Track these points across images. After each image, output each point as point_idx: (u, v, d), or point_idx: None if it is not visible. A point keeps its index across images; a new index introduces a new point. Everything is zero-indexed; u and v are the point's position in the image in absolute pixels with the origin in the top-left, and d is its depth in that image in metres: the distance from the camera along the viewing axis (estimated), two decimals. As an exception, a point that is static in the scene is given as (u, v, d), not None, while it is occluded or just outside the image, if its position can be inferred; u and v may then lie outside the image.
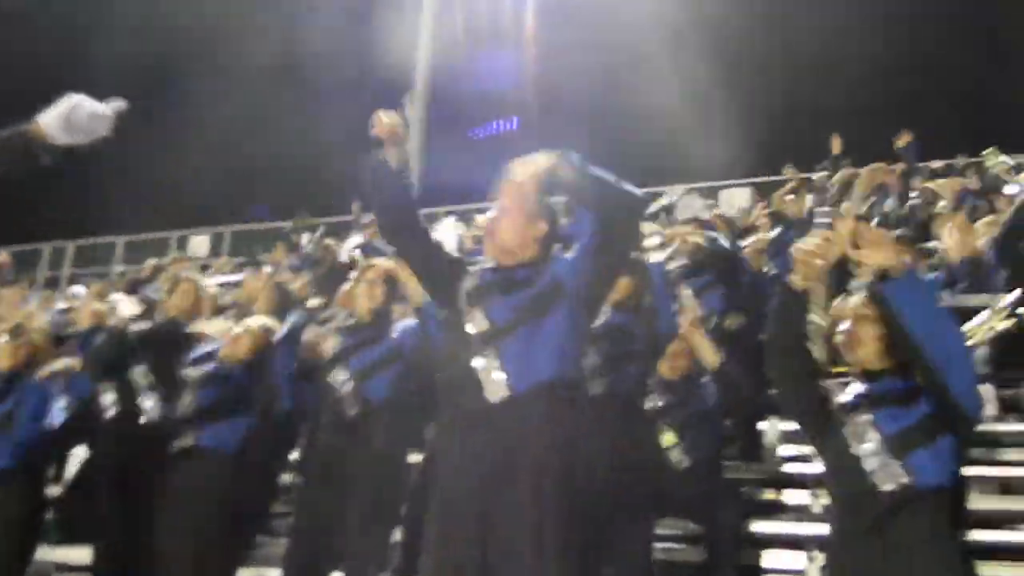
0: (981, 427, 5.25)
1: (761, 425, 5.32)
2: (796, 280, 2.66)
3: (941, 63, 17.85)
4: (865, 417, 2.60)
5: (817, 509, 4.56)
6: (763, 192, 14.13)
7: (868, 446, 2.55)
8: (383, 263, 4.45)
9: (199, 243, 18.57)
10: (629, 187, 2.64)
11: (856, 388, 2.74)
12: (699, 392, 4.50)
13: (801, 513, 4.70)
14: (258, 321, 4.47)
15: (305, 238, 11.85)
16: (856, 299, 2.83)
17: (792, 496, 4.88)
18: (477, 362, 2.53)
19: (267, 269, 7.83)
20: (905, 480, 2.47)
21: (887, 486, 2.49)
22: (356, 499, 3.93)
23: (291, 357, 4.45)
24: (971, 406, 2.52)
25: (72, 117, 2.17)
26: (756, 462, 5.19)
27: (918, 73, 17.94)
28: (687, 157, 17.04)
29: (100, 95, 2.29)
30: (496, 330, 2.57)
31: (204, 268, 14.67)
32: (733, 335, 5.47)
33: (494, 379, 2.50)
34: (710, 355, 4.21)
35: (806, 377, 2.76)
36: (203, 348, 4.41)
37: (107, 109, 2.28)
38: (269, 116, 20.93)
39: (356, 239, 12.36)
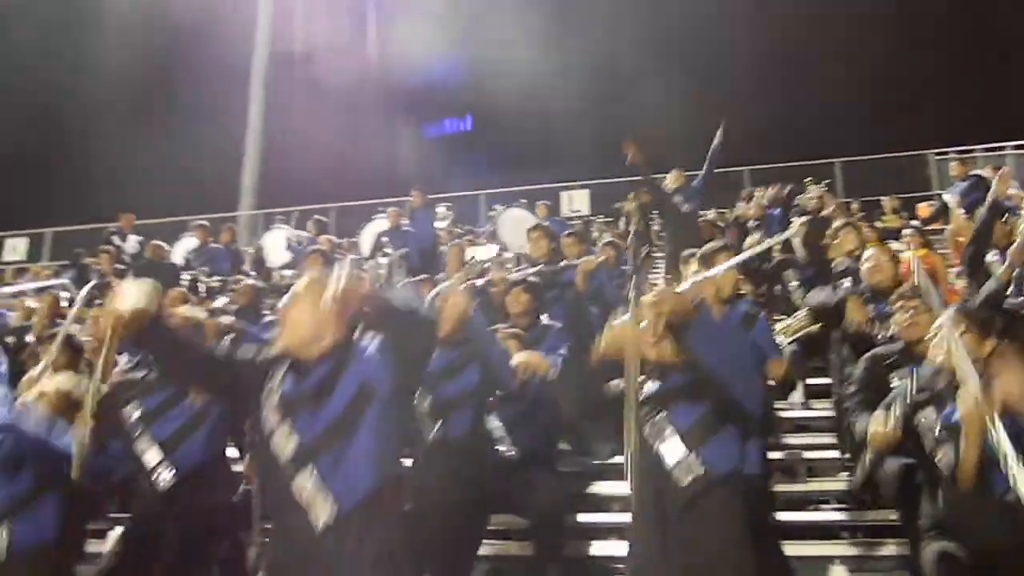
0: (791, 414, 5.64)
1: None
2: None
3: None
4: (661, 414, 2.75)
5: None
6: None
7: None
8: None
9: (15, 246, 17.32)
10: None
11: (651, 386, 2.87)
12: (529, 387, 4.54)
13: (629, 503, 4.82)
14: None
15: (131, 240, 11.27)
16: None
17: (621, 487, 5.00)
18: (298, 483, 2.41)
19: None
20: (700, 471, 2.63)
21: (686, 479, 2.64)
22: None
23: None
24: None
25: None
26: (585, 455, 5.29)
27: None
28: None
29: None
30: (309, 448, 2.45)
31: (21, 272, 13.65)
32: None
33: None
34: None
35: None
36: None
37: None
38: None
39: (192, 241, 11.86)
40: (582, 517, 4.58)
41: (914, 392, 3.17)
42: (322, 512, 2.34)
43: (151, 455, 3.61)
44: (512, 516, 4.47)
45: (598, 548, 4.45)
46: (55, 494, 3.49)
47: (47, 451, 3.49)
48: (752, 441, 2.91)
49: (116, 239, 11.22)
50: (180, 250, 11.32)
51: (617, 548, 4.44)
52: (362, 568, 2.34)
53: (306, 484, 2.37)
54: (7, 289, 11.80)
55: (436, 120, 26.55)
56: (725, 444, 2.70)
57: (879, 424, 3.16)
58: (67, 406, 3.67)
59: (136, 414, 3.70)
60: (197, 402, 3.68)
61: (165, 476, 3.57)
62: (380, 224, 11.76)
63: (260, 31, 19.07)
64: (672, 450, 2.70)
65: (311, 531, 2.34)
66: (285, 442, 2.43)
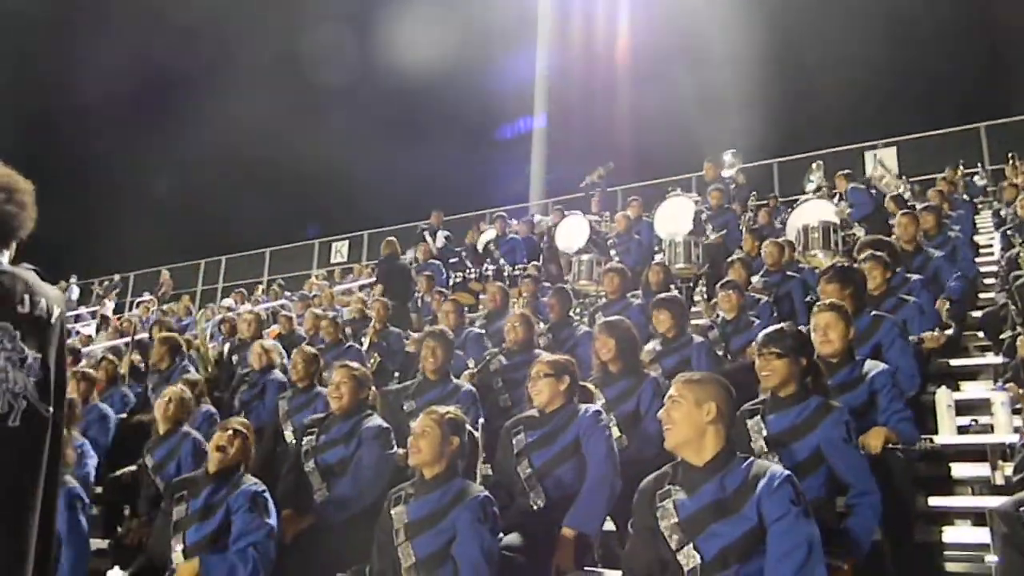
0: None
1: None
2: None
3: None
4: None
5: (998, 480, 4.22)
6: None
7: None
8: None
9: (339, 249, 19.35)
10: None
11: None
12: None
13: (981, 485, 4.38)
14: None
15: (440, 236, 12.09)
16: None
17: (970, 469, 4.54)
18: None
19: None
20: None
21: None
22: None
23: None
24: None
25: None
26: (928, 433, 4.84)
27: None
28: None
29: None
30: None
31: (346, 273, 15.27)
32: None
33: None
34: None
35: None
36: None
37: None
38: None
39: (491, 233, 12.51)
40: (933, 500, 4.21)
41: None
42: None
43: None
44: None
45: (951, 534, 4.06)
46: None
47: None
48: None
49: (427, 235, 12.10)
50: (484, 239, 12.00)
51: (970, 534, 4.05)
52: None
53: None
54: (339, 287, 13.24)
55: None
56: None
57: None
58: None
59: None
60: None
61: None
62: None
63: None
64: None
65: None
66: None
